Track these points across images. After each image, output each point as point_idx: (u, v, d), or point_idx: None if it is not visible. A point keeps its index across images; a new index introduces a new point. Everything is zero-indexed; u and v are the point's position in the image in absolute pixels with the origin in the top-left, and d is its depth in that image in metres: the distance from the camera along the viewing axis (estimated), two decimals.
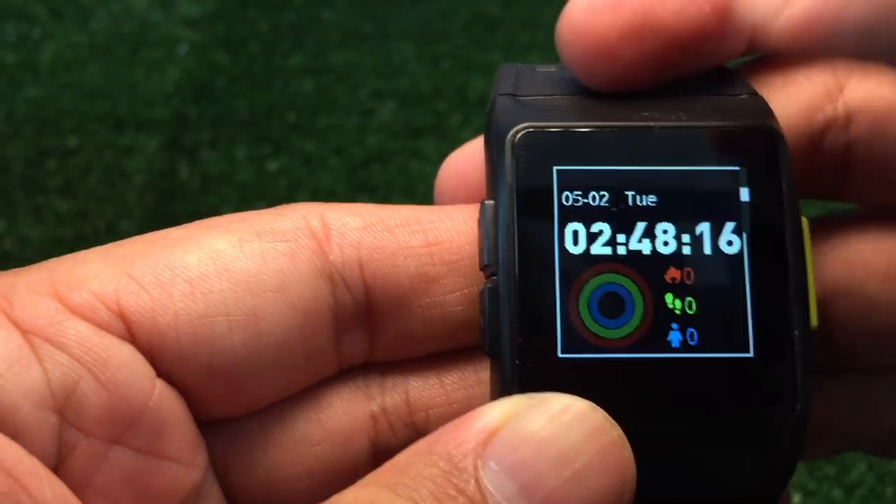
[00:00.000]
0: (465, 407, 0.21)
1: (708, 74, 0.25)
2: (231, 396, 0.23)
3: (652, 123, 0.23)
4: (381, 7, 0.67)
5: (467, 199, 0.25)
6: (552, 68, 0.25)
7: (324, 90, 0.63)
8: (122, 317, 0.21)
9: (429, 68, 0.64)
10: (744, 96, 0.24)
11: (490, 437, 0.19)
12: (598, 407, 0.20)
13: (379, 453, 0.24)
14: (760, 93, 0.24)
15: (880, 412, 0.26)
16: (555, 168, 0.23)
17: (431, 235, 0.23)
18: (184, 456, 0.22)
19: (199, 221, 0.23)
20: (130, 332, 0.21)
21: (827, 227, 0.26)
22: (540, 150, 0.23)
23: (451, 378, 0.24)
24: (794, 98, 0.24)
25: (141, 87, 0.63)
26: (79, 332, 0.21)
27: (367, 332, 0.24)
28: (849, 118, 0.24)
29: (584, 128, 0.23)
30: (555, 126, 0.23)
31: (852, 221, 0.26)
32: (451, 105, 0.63)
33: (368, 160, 0.61)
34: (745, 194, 0.23)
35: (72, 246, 0.45)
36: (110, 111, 0.62)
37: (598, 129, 0.23)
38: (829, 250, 0.25)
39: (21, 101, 0.63)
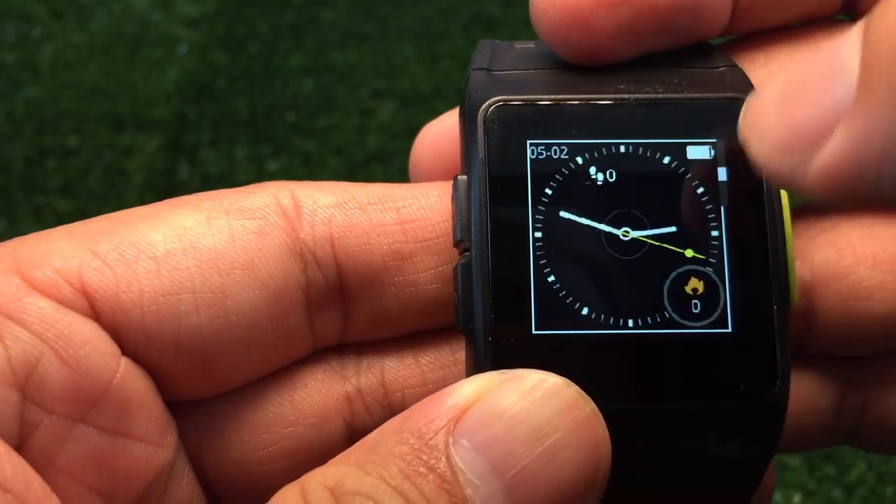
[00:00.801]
0: (441, 387, 0.21)
1: (688, 48, 0.24)
2: (200, 376, 0.22)
3: (627, 96, 0.23)
4: (381, 7, 0.67)
5: (442, 174, 0.25)
6: (530, 44, 0.25)
7: (324, 90, 0.63)
8: (86, 294, 0.21)
9: (429, 68, 0.64)
10: (723, 68, 0.24)
11: (461, 413, 0.19)
12: (571, 382, 0.20)
13: (354, 434, 0.23)
14: (743, 68, 0.24)
15: (869, 402, 0.26)
16: (528, 142, 0.22)
17: (405, 213, 0.23)
18: (151, 435, 0.21)
19: (169, 199, 0.23)
20: (94, 309, 0.21)
21: (816, 210, 0.25)
22: (512, 123, 0.22)
23: (427, 358, 0.24)
24: (776, 74, 0.23)
25: (141, 87, 0.63)
26: (40, 308, 0.20)
27: (341, 311, 0.23)
28: None
29: (557, 101, 0.23)
30: (528, 100, 0.23)
31: (842, 207, 0.25)
32: (451, 105, 0.63)
33: (368, 160, 0.61)
34: (722, 172, 0.22)
35: None
36: (110, 111, 0.62)
37: (572, 103, 0.23)
38: (818, 234, 0.25)
39: (21, 101, 0.63)
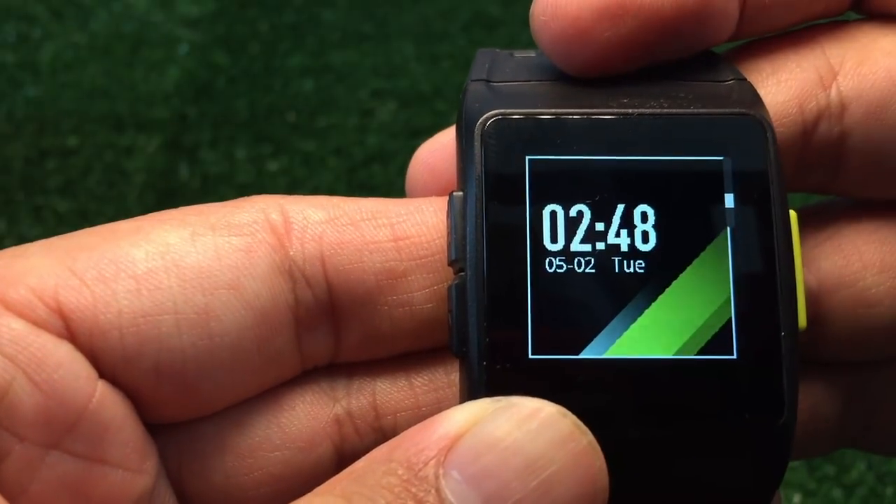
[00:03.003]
0: (435, 410, 0.20)
1: (693, 59, 0.23)
2: (182, 399, 0.21)
3: (631, 111, 0.22)
4: (381, 7, 0.67)
5: (439, 192, 0.24)
6: (531, 53, 0.24)
7: (324, 90, 0.63)
8: (61, 314, 0.20)
9: (429, 68, 0.64)
10: (731, 82, 0.23)
11: (453, 443, 0.18)
12: (567, 412, 0.19)
13: (344, 459, 0.23)
14: (749, 79, 0.23)
15: (875, 408, 0.25)
16: (527, 158, 0.21)
17: (399, 229, 0.22)
18: (129, 461, 0.20)
19: (153, 213, 0.22)
20: (70, 331, 0.20)
21: (821, 216, 0.24)
22: (511, 138, 0.21)
23: (420, 380, 0.23)
24: (784, 85, 0.23)
25: (141, 87, 0.63)
26: (13, 329, 0.19)
27: (331, 331, 0.22)
28: (843, 107, 0.23)
29: (558, 115, 0.21)
30: (528, 113, 0.21)
31: (847, 211, 0.24)
32: (451, 105, 0.63)
33: (368, 160, 0.61)
34: (729, 191, 0.21)
35: None
36: (110, 111, 0.62)
37: (573, 117, 0.21)
38: (823, 241, 0.24)
39: (21, 101, 0.63)
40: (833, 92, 0.23)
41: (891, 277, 0.23)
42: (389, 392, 0.23)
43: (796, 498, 0.46)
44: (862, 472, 0.47)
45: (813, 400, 0.24)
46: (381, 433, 0.23)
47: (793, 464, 0.47)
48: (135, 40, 0.65)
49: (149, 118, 0.62)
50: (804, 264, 0.23)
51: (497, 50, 0.24)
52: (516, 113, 0.21)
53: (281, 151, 0.61)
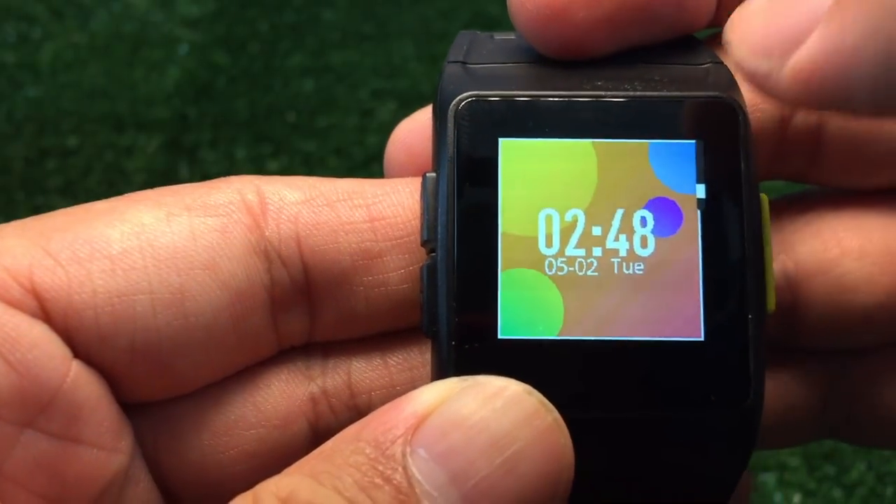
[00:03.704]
0: (409, 389, 0.20)
1: (672, 42, 0.23)
2: (157, 378, 0.21)
3: (604, 93, 0.22)
4: (381, 7, 0.67)
5: (416, 172, 0.24)
6: (511, 36, 0.24)
7: (324, 90, 0.63)
8: (36, 294, 0.20)
9: (429, 68, 0.64)
10: (707, 65, 0.23)
11: (420, 422, 0.18)
12: (533, 390, 0.19)
13: (319, 436, 0.23)
14: (726, 64, 0.23)
15: (855, 398, 0.25)
16: (500, 139, 0.21)
17: (375, 210, 0.22)
18: (104, 440, 0.21)
19: (128, 194, 0.22)
20: (44, 311, 0.20)
21: (801, 203, 0.24)
22: (484, 119, 0.21)
23: (395, 359, 0.23)
24: None
25: (141, 87, 0.63)
26: None
27: (307, 311, 0.23)
28: None
29: (532, 97, 0.21)
30: (501, 95, 0.21)
31: (827, 198, 0.24)
32: None
33: (368, 160, 0.61)
34: (700, 170, 0.21)
35: None
36: (110, 111, 0.62)
37: (548, 99, 0.21)
38: (802, 227, 0.24)
39: (21, 101, 0.63)
40: None
41: (868, 264, 0.23)
42: (364, 371, 0.23)
43: (796, 498, 0.46)
44: (862, 472, 0.47)
45: (793, 388, 0.24)
46: (356, 411, 0.23)
47: (793, 464, 0.47)
48: (135, 40, 0.65)
49: (149, 118, 0.62)
50: (783, 250, 0.24)
51: (478, 32, 0.24)
52: (490, 95, 0.21)
53: (281, 151, 0.61)
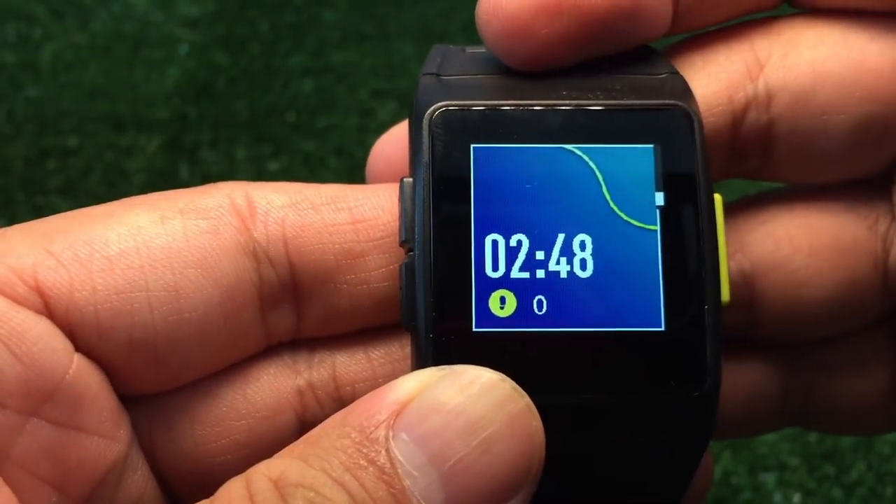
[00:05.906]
0: (390, 381, 0.21)
1: (631, 54, 0.25)
2: (153, 371, 0.23)
3: (568, 102, 0.23)
4: (381, 7, 0.67)
5: (395, 180, 0.25)
6: (482, 49, 0.25)
7: (324, 90, 0.63)
8: (40, 292, 0.21)
9: None
10: (664, 75, 0.24)
11: (402, 408, 0.20)
12: (506, 378, 0.20)
13: (306, 427, 0.24)
14: (682, 72, 0.24)
15: (812, 387, 0.26)
16: (472, 146, 0.23)
17: (357, 213, 0.24)
18: (104, 429, 0.22)
19: (125, 199, 0.24)
20: (48, 307, 0.21)
21: (756, 205, 0.26)
22: (457, 128, 0.23)
23: (377, 353, 0.25)
24: (714, 77, 0.24)
25: (141, 87, 0.63)
26: None
27: (294, 308, 0.24)
28: (769, 97, 0.24)
29: (501, 106, 0.23)
30: (472, 105, 0.23)
31: (779, 198, 0.26)
32: None
33: None
34: (658, 173, 0.23)
35: None
36: (110, 111, 0.62)
37: (515, 108, 0.23)
38: (757, 227, 0.25)
39: (21, 101, 0.63)
40: (760, 83, 0.24)
41: (818, 260, 0.25)
42: (348, 365, 0.24)
43: (796, 498, 0.46)
44: (862, 472, 0.47)
45: (753, 379, 0.26)
46: (341, 402, 0.24)
47: (793, 464, 0.47)
48: (135, 40, 0.66)
49: (149, 118, 0.62)
50: (740, 249, 0.25)
51: (451, 46, 0.26)
52: (462, 105, 0.23)
53: (281, 151, 0.61)
